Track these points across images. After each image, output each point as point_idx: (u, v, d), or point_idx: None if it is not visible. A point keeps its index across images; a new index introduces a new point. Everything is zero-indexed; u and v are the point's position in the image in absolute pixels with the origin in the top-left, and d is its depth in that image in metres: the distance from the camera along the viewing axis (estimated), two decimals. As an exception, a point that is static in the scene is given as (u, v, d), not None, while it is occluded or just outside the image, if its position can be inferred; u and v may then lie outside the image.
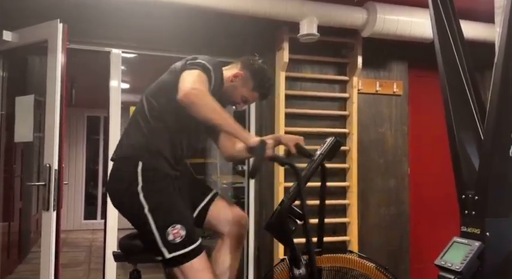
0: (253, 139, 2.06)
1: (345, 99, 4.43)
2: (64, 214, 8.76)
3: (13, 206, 5.16)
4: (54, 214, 3.12)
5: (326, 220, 4.09)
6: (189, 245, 2.02)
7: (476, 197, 2.06)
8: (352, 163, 4.29)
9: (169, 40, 3.92)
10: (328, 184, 4.15)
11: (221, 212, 2.35)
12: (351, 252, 2.41)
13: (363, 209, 4.40)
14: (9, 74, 3.80)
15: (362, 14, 3.99)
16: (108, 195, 2.21)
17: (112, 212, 3.72)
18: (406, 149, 4.64)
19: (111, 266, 3.69)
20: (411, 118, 4.71)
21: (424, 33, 4.05)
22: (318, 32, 3.84)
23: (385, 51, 4.57)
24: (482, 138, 2.15)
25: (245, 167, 4.42)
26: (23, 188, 5.69)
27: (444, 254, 2.10)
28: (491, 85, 2.04)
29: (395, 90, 4.60)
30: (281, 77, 4.11)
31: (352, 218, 4.27)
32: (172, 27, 3.88)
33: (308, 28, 3.81)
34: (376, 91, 4.54)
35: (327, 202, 4.13)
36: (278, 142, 2.36)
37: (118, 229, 3.73)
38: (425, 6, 2.43)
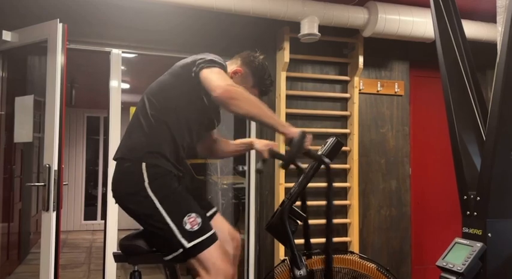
0: (294, 129, 2.04)
1: (346, 99, 4.42)
2: (64, 215, 8.76)
3: (13, 206, 5.15)
4: (54, 214, 3.11)
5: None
6: (207, 232, 2.03)
7: (478, 198, 2.05)
8: (353, 164, 4.28)
9: (170, 40, 3.92)
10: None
11: (217, 230, 2.34)
12: (352, 253, 2.40)
13: (364, 210, 4.40)
14: (8, 74, 3.79)
15: (363, 14, 3.98)
16: (116, 200, 2.17)
17: (112, 212, 3.71)
18: (408, 150, 4.63)
19: (111, 266, 3.68)
20: (413, 118, 4.70)
21: (426, 32, 4.04)
22: (318, 32, 3.83)
23: (386, 51, 4.57)
24: (484, 138, 2.14)
25: (245, 168, 4.41)
26: (23, 188, 5.68)
27: (446, 255, 2.09)
28: (493, 85, 2.04)
29: (396, 90, 4.59)
30: (282, 77, 4.09)
31: (353, 219, 4.25)
32: (173, 27, 3.88)
33: (309, 28, 3.80)
34: (378, 91, 4.53)
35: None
36: (250, 147, 2.41)
37: (118, 230, 3.72)
38: (427, 5, 2.43)
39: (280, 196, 3.96)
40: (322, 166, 2.13)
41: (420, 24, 4.02)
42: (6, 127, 3.80)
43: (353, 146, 4.29)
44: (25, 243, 6.14)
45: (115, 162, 2.19)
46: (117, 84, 3.84)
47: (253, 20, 3.88)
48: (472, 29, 4.12)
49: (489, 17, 3.79)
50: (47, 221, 3.13)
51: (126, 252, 2.14)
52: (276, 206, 3.91)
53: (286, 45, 4.04)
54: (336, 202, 4.24)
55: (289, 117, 4.11)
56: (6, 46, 3.47)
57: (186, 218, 2.00)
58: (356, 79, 4.35)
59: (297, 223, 2.16)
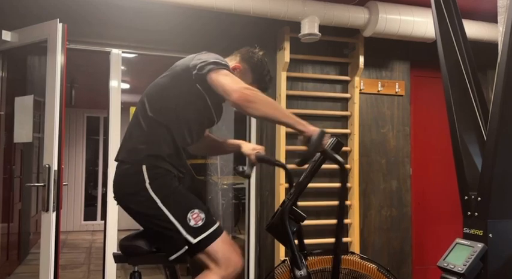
0: (313, 128, 2.04)
1: (346, 99, 4.41)
2: (64, 215, 8.76)
3: (12, 207, 5.14)
4: (54, 214, 3.10)
5: (327, 221, 4.14)
6: (211, 226, 2.03)
7: (479, 199, 2.05)
8: (354, 164, 4.27)
9: (170, 40, 3.91)
10: (330, 184, 4.22)
11: None
12: (353, 253, 2.39)
13: (364, 210, 4.39)
14: (8, 74, 3.79)
15: (364, 14, 3.97)
16: (117, 201, 2.17)
17: (112, 213, 3.70)
18: (408, 150, 4.62)
19: (111, 267, 3.68)
20: (413, 118, 4.69)
21: (427, 32, 4.03)
22: (319, 32, 3.82)
23: (387, 51, 4.56)
24: (485, 138, 2.13)
25: (245, 168, 4.39)
26: (23, 189, 5.67)
27: (447, 256, 2.08)
28: (495, 85, 2.03)
29: (397, 90, 4.58)
30: (282, 77, 4.09)
31: (353, 219, 4.24)
32: (173, 27, 3.87)
33: (309, 28, 3.79)
34: (378, 91, 4.52)
35: (329, 203, 4.19)
36: (238, 149, 2.44)
37: (118, 230, 3.71)
38: (428, 5, 2.42)
39: (281, 196, 3.95)
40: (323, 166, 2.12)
41: (421, 24, 4.02)
42: (6, 127, 3.79)
43: (353, 146, 4.29)
44: (25, 243, 6.13)
45: (116, 163, 2.19)
46: (117, 84, 3.83)
47: (253, 19, 3.88)
48: (473, 29, 4.12)
49: (490, 16, 3.79)
50: (46, 222, 3.12)
51: (126, 253, 2.13)
52: (277, 206, 3.90)
53: (287, 45, 4.04)
54: (337, 202, 4.22)
55: (290, 117, 4.09)
56: (6, 46, 3.47)
57: (189, 215, 2.00)
58: (356, 79, 4.34)
59: (297, 223, 2.15)
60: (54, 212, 3.10)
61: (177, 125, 2.14)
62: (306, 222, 2.26)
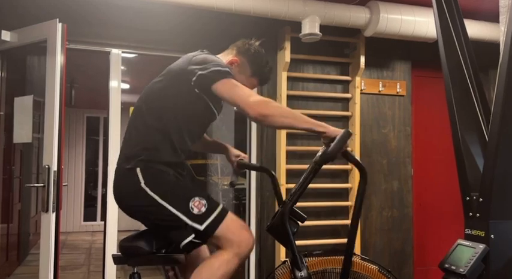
0: (334, 128, 2.01)
1: (347, 100, 4.40)
2: (63, 216, 8.75)
3: (12, 207, 5.13)
4: (54, 215, 3.09)
5: (327, 222, 4.13)
6: (215, 209, 2.03)
7: (481, 199, 2.04)
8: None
9: (170, 40, 3.90)
10: (331, 185, 4.22)
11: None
12: (354, 254, 2.38)
13: (365, 211, 4.37)
14: (8, 74, 3.78)
15: (365, 13, 3.96)
16: (118, 204, 2.18)
17: (112, 213, 3.69)
18: (410, 151, 4.61)
19: (110, 268, 3.67)
20: (414, 118, 4.68)
21: (428, 32, 4.02)
22: (320, 32, 3.82)
23: (388, 51, 4.55)
24: (487, 139, 2.12)
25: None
26: (22, 189, 5.67)
27: (448, 257, 2.07)
28: (496, 85, 2.02)
29: (398, 90, 4.57)
30: (283, 77, 4.08)
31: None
32: (173, 27, 3.86)
33: (310, 27, 3.79)
34: (379, 91, 4.51)
35: (329, 203, 4.18)
36: (223, 152, 2.44)
37: (118, 231, 3.70)
38: (429, 5, 2.41)
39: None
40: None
41: (422, 23, 4.01)
42: (5, 127, 3.79)
43: (354, 146, 4.27)
44: (24, 244, 6.13)
45: (115, 166, 2.19)
46: (117, 84, 3.83)
47: (254, 19, 3.87)
48: (475, 29, 4.11)
49: (492, 16, 3.78)
50: (46, 222, 3.12)
51: (127, 254, 2.12)
52: (277, 207, 3.89)
53: (287, 45, 4.03)
54: (338, 203, 4.22)
55: (290, 118, 4.09)
56: (6, 46, 3.46)
57: (191, 204, 2.00)
58: (357, 79, 4.33)
59: (298, 224, 2.14)
60: (54, 213, 3.09)
61: (177, 129, 2.12)
62: (306, 223, 2.25)
